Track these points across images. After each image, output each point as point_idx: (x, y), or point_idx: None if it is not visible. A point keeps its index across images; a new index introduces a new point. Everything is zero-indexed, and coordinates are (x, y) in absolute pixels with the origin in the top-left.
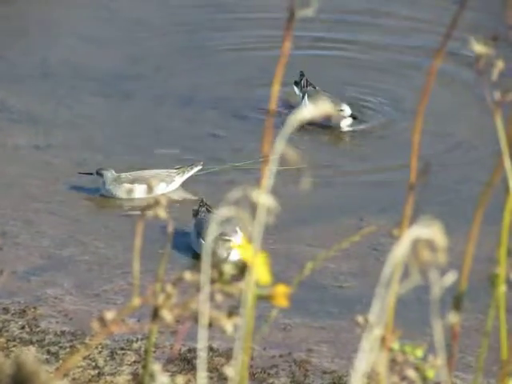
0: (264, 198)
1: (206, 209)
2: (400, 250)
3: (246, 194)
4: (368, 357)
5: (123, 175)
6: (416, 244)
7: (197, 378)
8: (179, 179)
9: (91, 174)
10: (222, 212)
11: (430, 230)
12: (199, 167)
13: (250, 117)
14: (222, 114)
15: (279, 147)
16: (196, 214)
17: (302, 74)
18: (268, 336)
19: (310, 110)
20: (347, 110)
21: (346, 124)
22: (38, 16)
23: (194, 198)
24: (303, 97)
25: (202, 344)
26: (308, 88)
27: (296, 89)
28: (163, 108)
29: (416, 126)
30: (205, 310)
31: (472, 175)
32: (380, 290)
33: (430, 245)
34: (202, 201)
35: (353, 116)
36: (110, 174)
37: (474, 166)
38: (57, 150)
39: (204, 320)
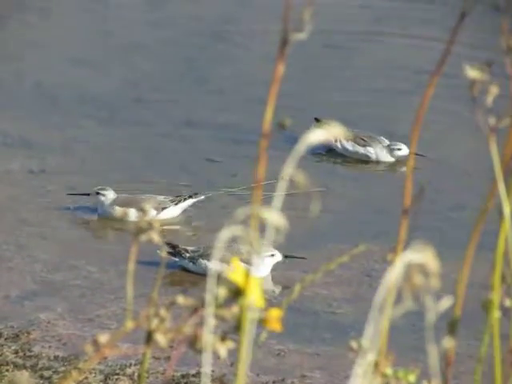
0: (274, 217)
1: (179, 251)
2: (393, 275)
3: (255, 213)
4: (361, 382)
5: (120, 197)
6: (409, 269)
7: None
8: (175, 207)
9: (88, 194)
10: (229, 232)
11: (422, 255)
12: (201, 198)
13: (246, 142)
14: (217, 139)
15: (288, 170)
16: (179, 252)
17: (317, 121)
18: (261, 362)
19: (319, 133)
20: (404, 149)
21: (387, 157)
22: (32, 40)
23: (187, 222)
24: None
25: (206, 369)
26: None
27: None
28: (158, 132)
29: (410, 151)
30: (203, 335)
31: (466, 201)
32: (373, 314)
33: (423, 269)
34: (175, 246)
35: (417, 154)
36: (111, 195)
37: (468, 192)
38: (50, 174)
39: (204, 344)
